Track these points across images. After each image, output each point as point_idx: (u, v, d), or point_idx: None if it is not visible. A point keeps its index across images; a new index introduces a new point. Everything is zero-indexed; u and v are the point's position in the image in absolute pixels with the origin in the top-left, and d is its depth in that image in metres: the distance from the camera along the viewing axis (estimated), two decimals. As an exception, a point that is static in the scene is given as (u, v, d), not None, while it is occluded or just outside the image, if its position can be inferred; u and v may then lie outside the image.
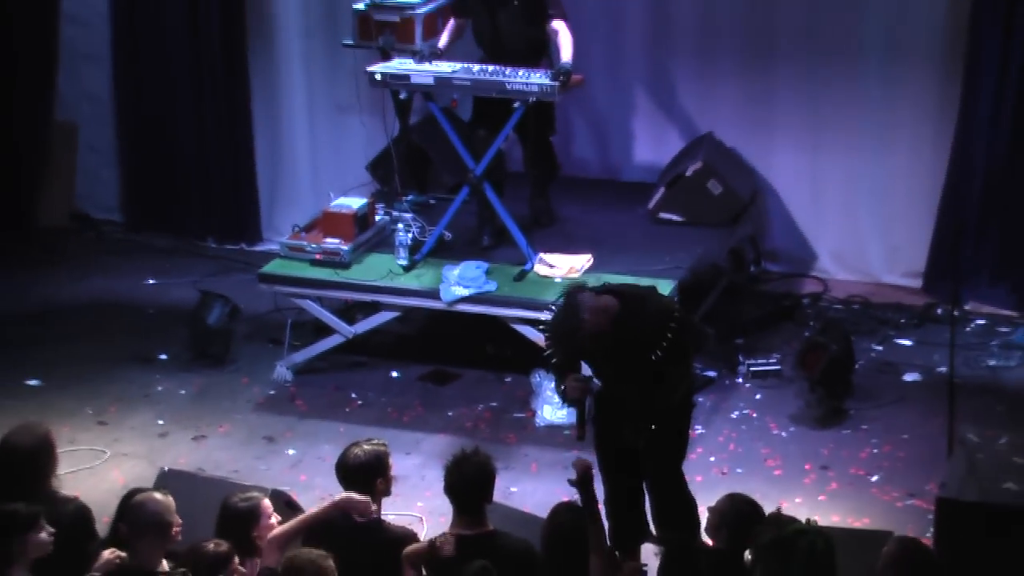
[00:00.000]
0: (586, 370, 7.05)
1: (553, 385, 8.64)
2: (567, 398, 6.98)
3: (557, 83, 9.04)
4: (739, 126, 10.44)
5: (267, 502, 6.49)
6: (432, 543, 6.20)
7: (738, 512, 6.23)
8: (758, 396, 9.12)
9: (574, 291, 6.87)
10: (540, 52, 9.39)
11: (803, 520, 5.84)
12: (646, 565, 6.48)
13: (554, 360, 6.97)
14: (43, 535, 6.08)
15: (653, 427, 6.83)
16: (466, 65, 9.33)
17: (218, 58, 11.03)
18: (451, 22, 9.58)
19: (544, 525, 6.31)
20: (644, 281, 8.95)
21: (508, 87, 9.13)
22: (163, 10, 11.07)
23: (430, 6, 9.87)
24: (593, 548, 6.09)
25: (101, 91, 11.49)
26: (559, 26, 9.30)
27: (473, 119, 9.61)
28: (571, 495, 6.60)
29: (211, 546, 6.09)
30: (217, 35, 10.98)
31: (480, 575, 5.85)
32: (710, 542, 6.35)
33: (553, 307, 7.29)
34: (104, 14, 11.32)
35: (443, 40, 9.51)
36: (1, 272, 10.72)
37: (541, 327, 7.34)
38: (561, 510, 6.35)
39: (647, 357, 6.69)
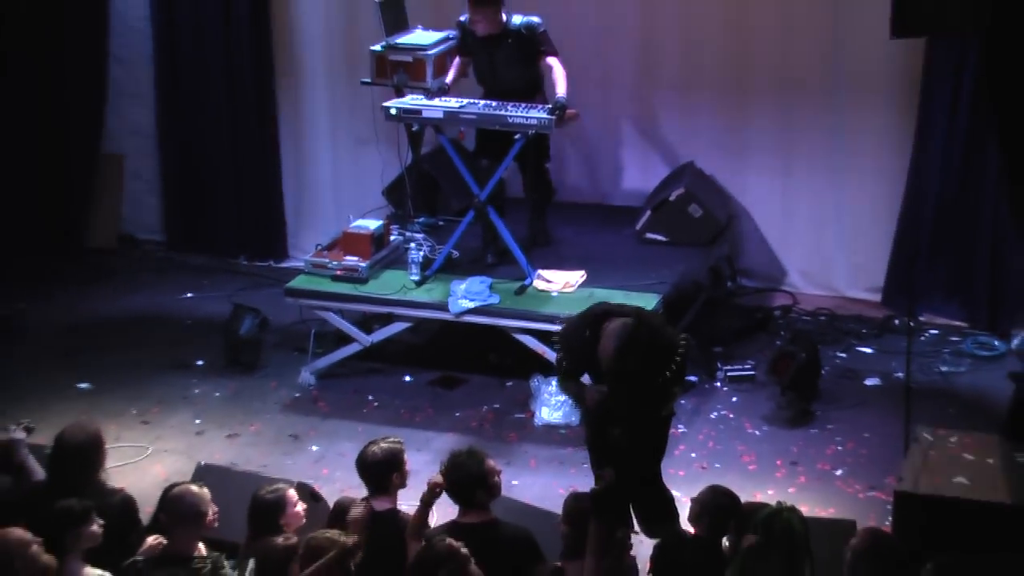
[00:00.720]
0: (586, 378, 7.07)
1: (556, 385, 8.74)
2: (586, 405, 6.98)
3: (553, 117, 9.05)
4: (717, 156, 10.42)
5: (292, 492, 6.48)
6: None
7: (718, 503, 6.24)
8: (734, 399, 9.11)
9: (601, 314, 6.87)
10: (535, 88, 9.38)
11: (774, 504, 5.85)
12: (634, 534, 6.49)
13: (564, 365, 6.99)
14: (94, 527, 6.09)
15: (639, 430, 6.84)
16: (471, 100, 9.33)
17: (250, 95, 11.04)
18: (456, 60, 9.58)
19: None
20: (633, 295, 9.01)
21: (509, 120, 9.13)
22: (201, 52, 11.07)
23: (439, 48, 9.85)
24: (593, 550, 6.05)
25: (145, 125, 11.48)
26: (553, 62, 9.28)
27: (477, 149, 9.61)
28: (567, 489, 6.60)
29: (280, 540, 6.05)
30: (249, 74, 10.99)
31: (446, 556, 5.67)
32: (692, 530, 6.36)
33: (571, 320, 7.24)
34: (148, 55, 11.32)
35: (450, 77, 9.51)
36: (55, 288, 10.71)
37: (555, 338, 7.28)
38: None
39: (655, 380, 6.72)
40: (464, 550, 5.63)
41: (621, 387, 6.78)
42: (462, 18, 9.42)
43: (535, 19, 9.29)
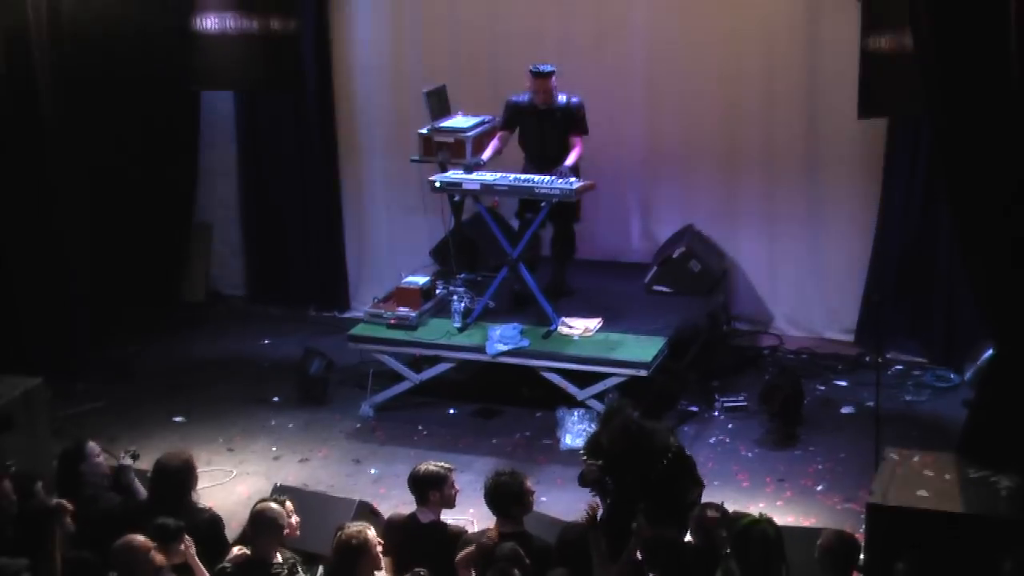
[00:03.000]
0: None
1: (578, 416, 8.77)
2: (585, 481, 6.96)
3: (573, 188, 9.11)
4: (713, 219, 10.41)
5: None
6: (479, 543, 6.17)
7: (705, 516, 6.24)
8: (730, 426, 9.09)
9: (621, 416, 6.86)
10: (566, 155, 9.45)
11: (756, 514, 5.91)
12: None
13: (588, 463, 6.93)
14: (182, 547, 6.11)
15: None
16: (504, 174, 9.40)
17: (318, 171, 11.08)
18: (496, 140, 9.60)
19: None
20: (642, 338, 9.06)
21: (536, 191, 9.20)
22: (277, 135, 11.13)
23: (477, 130, 9.92)
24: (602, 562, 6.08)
25: (230, 198, 11.57)
26: (575, 141, 9.41)
27: (519, 209, 9.65)
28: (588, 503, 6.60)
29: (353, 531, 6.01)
30: (317, 153, 11.04)
31: (510, 555, 5.81)
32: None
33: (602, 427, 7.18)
34: (231, 139, 11.43)
35: (486, 154, 9.56)
36: (154, 337, 10.74)
37: (583, 452, 7.25)
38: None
39: (644, 470, 6.71)
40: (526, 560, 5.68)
41: (616, 470, 6.78)
42: (513, 98, 9.51)
43: (578, 99, 9.40)
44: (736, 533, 5.75)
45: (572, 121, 9.44)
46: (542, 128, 9.46)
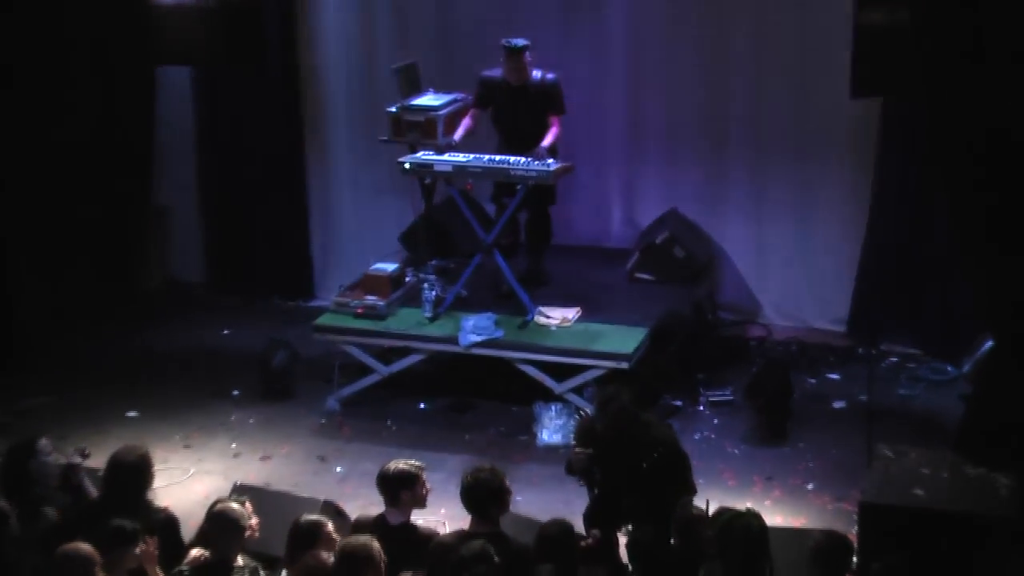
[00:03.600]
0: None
1: (556, 411, 8.78)
2: (572, 469, 6.98)
3: (551, 170, 9.10)
4: (699, 203, 10.42)
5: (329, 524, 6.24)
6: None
7: (686, 516, 6.29)
8: (715, 421, 9.10)
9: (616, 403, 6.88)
10: (543, 136, 9.43)
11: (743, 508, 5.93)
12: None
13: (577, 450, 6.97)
14: (138, 550, 6.06)
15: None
16: (478, 155, 9.36)
17: (281, 151, 11.06)
18: (467, 118, 9.59)
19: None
20: (623, 329, 9.06)
21: (511, 173, 9.17)
22: (237, 113, 11.09)
23: (449, 109, 9.89)
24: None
25: (187, 180, 11.49)
26: (552, 121, 9.39)
27: (495, 193, 9.64)
28: (565, 504, 6.58)
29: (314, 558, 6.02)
30: (281, 133, 11.02)
31: (480, 554, 5.78)
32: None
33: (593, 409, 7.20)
34: (190, 117, 11.37)
35: (458, 134, 9.54)
36: (107, 327, 10.67)
37: (573, 438, 7.26)
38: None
39: (639, 465, 6.72)
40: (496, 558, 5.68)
41: (605, 460, 6.79)
42: (486, 72, 9.48)
43: (554, 75, 9.37)
44: (719, 527, 5.76)
45: (548, 99, 9.42)
46: (516, 106, 9.43)
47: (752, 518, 5.79)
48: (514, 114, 9.47)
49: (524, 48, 9.28)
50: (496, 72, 9.46)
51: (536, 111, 9.43)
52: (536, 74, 9.39)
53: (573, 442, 7.09)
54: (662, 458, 6.74)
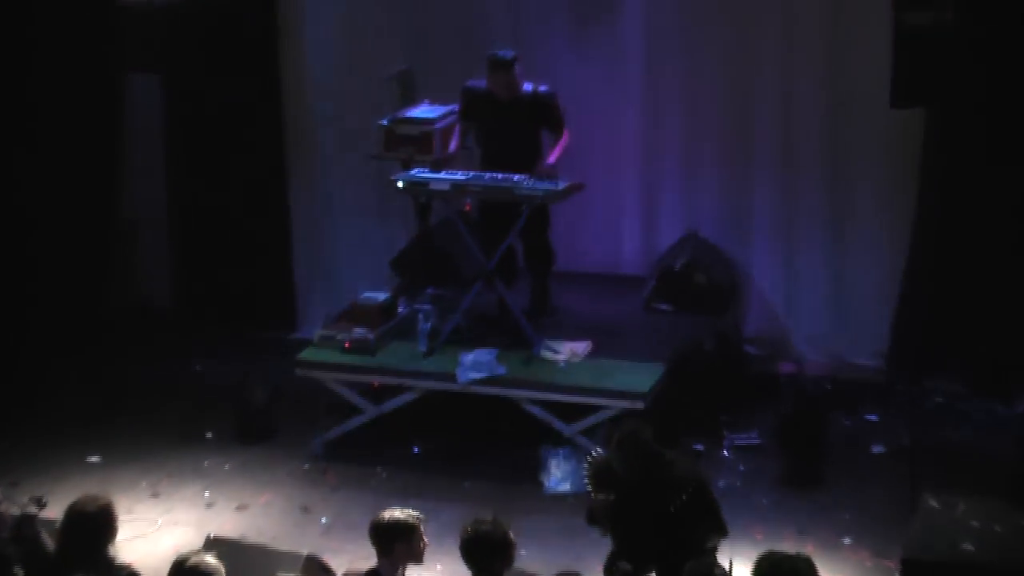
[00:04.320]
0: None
1: (564, 456, 8.74)
2: (595, 518, 6.95)
3: (559, 188, 9.07)
4: (721, 225, 10.41)
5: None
6: None
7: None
8: (741, 468, 9.06)
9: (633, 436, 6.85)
10: (537, 156, 9.39)
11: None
12: None
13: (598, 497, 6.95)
14: None
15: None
16: (478, 173, 9.36)
17: (261, 166, 11.07)
18: (454, 135, 9.60)
19: None
20: (638, 365, 9.03)
21: (516, 193, 9.16)
22: (212, 124, 11.10)
23: (446, 122, 9.88)
24: None
25: (157, 197, 11.49)
26: (557, 136, 9.38)
27: (481, 219, 9.62)
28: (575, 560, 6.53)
29: None
30: (261, 146, 11.02)
31: None
32: None
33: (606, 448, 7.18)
34: (160, 129, 11.36)
35: (452, 145, 9.53)
36: (66, 359, 10.64)
37: (588, 465, 7.25)
38: None
39: (666, 508, 6.68)
40: None
41: (628, 505, 6.76)
42: (470, 83, 9.47)
43: (547, 88, 9.35)
44: (769, 566, 5.67)
45: (543, 114, 9.39)
46: (504, 123, 9.39)
47: (800, 561, 5.71)
48: (501, 131, 9.44)
49: (512, 62, 9.26)
50: (482, 83, 9.44)
51: (527, 128, 9.43)
52: (527, 87, 9.36)
53: (588, 488, 7.04)
54: (691, 498, 6.71)
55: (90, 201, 11.25)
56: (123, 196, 11.51)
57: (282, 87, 11.02)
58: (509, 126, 9.37)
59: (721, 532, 6.79)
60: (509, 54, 9.29)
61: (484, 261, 9.39)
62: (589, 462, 7.14)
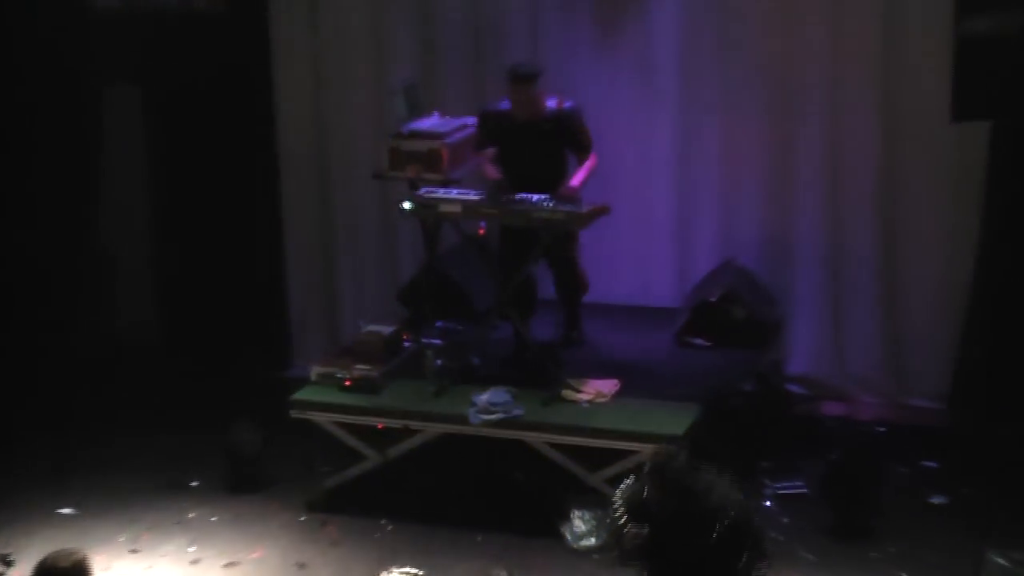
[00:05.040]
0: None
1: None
2: (629, 556, 6.89)
3: (583, 212, 9.07)
4: (762, 251, 10.42)
5: None
6: None
7: None
8: (785, 520, 8.99)
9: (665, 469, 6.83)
10: (561, 179, 9.38)
11: None
12: None
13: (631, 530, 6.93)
14: None
15: None
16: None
17: (252, 187, 11.13)
18: (487, 159, 9.55)
19: None
20: (670, 406, 8.98)
21: (534, 216, 9.14)
22: (198, 142, 11.14)
23: (457, 137, 9.86)
24: None
25: (138, 223, 11.56)
26: (584, 157, 9.38)
27: (500, 243, 9.61)
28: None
29: None
30: (252, 165, 11.08)
31: None
32: None
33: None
34: (141, 147, 11.40)
35: (491, 170, 9.47)
36: (37, 401, 10.68)
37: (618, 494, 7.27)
38: None
39: (707, 538, 6.65)
40: None
41: (664, 538, 6.72)
42: (489, 107, 9.53)
43: (572, 104, 9.37)
44: None
45: (567, 134, 9.39)
46: (525, 146, 9.39)
47: None
48: (522, 155, 9.44)
49: (534, 78, 9.26)
50: (501, 104, 9.47)
51: (551, 149, 9.43)
52: (550, 104, 9.37)
53: (618, 521, 7.01)
54: (732, 525, 6.66)
55: (63, 228, 11.30)
56: (99, 222, 11.55)
57: (276, 101, 11.06)
58: (531, 147, 9.37)
59: (762, 557, 6.74)
60: (532, 68, 9.30)
61: (499, 291, 9.37)
62: (620, 491, 7.12)
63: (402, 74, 10.44)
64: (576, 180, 9.31)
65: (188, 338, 11.49)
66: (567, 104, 9.42)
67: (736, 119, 10.34)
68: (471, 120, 9.92)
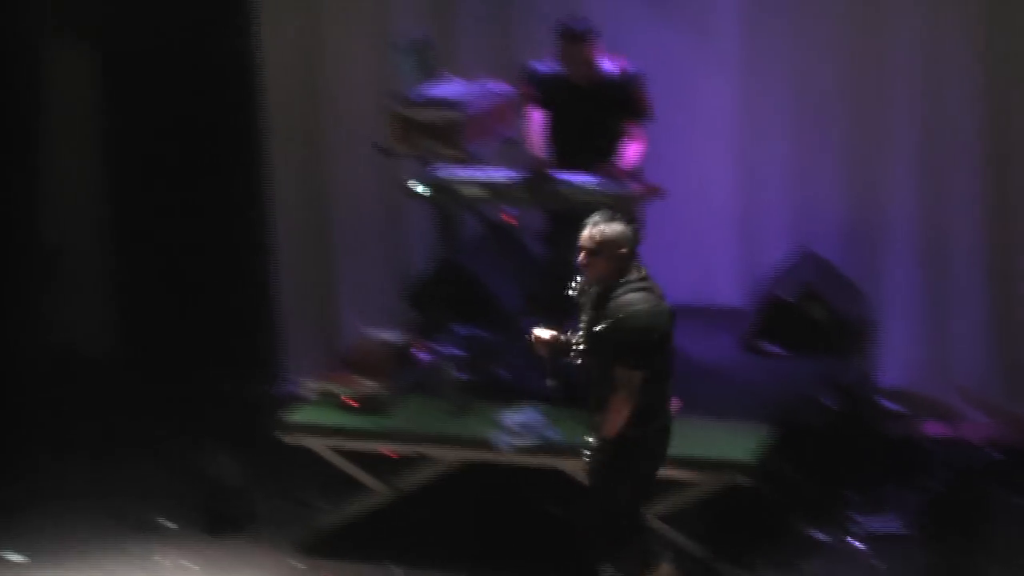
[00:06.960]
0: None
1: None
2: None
3: (631, 193, 9.09)
4: (845, 241, 10.48)
5: None
6: None
7: None
8: (877, 563, 9.00)
9: None
10: (614, 153, 9.44)
11: None
12: None
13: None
14: None
15: None
16: (523, 173, 9.40)
17: (231, 170, 11.23)
18: (534, 125, 9.60)
19: None
20: (738, 427, 9.00)
21: (572, 199, 9.17)
22: (164, 118, 11.24)
23: (480, 106, 9.84)
24: None
25: (91, 216, 11.66)
26: (632, 131, 9.45)
27: (546, 231, 9.67)
28: None
29: None
30: (231, 143, 11.20)
31: None
32: None
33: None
34: (94, 127, 11.48)
35: (537, 147, 9.52)
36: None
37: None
38: None
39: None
40: None
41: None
42: (538, 66, 9.58)
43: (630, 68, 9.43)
44: None
45: (626, 102, 9.47)
46: (580, 113, 9.48)
47: None
48: (577, 123, 9.52)
49: (587, 36, 9.34)
50: (551, 67, 9.53)
51: (609, 119, 9.49)
52: (609, 67, 9.42)
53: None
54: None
55: (5, 223, 11.32)
56: (44, 214, 11.59)
57: (259, 61, 11.11)
58: (586, 117, 9.45)
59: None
60: (587, 25, 9.36)
61: (531, 290, 9.40)
62: None
63: (411, 30, 10.45)
64: (628, 156, 9.33)
65: (152, 346, 11.56)
66: (624, 68, 9.44)
67: (810, 82, 10.40)
68: (493, 85, 9.94)
